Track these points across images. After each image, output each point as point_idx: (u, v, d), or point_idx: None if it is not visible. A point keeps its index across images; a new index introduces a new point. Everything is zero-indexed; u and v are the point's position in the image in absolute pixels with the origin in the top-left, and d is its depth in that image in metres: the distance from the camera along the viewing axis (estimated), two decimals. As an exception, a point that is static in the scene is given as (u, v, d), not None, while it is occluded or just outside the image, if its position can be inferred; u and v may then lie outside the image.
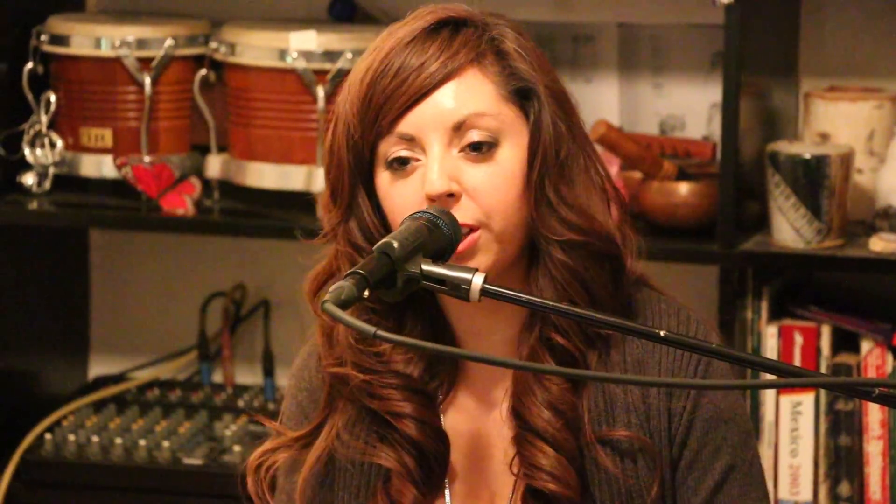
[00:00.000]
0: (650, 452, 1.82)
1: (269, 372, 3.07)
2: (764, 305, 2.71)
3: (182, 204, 2.88)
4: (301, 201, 2.78)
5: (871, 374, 2.70)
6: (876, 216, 2.72)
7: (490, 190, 1.78)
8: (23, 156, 2.94)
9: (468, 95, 1.78)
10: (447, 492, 1.86)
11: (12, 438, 2.93)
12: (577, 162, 1.82)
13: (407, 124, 1.77)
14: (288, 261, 3.05)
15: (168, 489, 2.86)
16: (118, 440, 2.89)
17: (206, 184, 2.91)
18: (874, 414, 2.67)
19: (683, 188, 2.73)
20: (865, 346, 2.70)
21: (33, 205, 2.93)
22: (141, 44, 2.89)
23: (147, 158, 2.88)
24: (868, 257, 2.66)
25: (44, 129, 2.94)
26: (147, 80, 2.87)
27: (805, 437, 2.71)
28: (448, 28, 1.79)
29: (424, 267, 1.69)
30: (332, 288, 1.62)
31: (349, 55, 2.78)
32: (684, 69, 2.94)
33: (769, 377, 1.74)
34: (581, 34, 2.97)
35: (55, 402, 3.03)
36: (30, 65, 2.93)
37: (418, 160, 1.78)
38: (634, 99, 2.96)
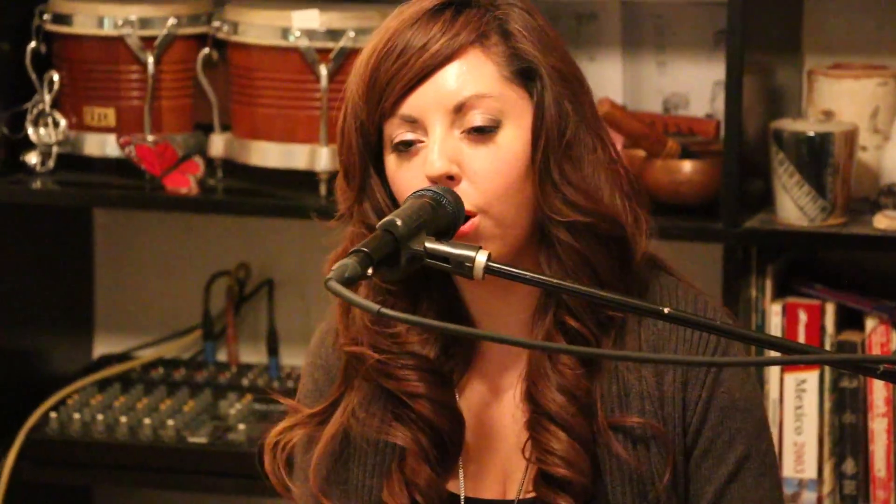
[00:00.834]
0: (663, 439, 1.83)
1: (273, 351, 3.08)
2: (768, 283, 2.72)
3: (185, 183, 2.88)
4: (305, 180, 2.84)
5: (876, 351, 2.70)
6: (880, 193, 2.72)
7: (491, 174, 1.78)
8: (26, 135, 2.95)
9: (469, 77, 1.78)
10: (461, 472, 1.88)
11: (17, 417, 2.95)
12: (584, 142, 1.81)
13: (409, 106, 1.78)
14: (292, 240, 3.09)
15: (173, 467, 2.87)
16: (123, 419, 2.90)
17: (210, 163, 2.92)
18: (879, 391, 2.68)
19: (687, 166, 2.74)
20: (870, 323, 2.70)
21: (37, 184, 2.94)
22: (144, 23, 2.90)
23: (150, 137, 2.89)
24: (872, 235, 2.67)
25: (47, 109, 2.94)
26: (150, 60, 2.89)
27: (809, 415, 2.72)
28: (452, 8, 1.79)
29: (428, 245, 1.69)
30: (335, 266, 1.63)
31: (352, 34, 2.79)
32: (688, 47, 2.94)
33: (774, 354, 1.74)
34: (585, 12, 2.97)
35: (60, 380, 3.05)
36: (33, 44, 2.94)
37: (422, 142, 1.78)
38: (638, 77, 2.96)
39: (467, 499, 1.87)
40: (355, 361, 1.86)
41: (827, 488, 2.73)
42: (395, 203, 1.80)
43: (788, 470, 2.70)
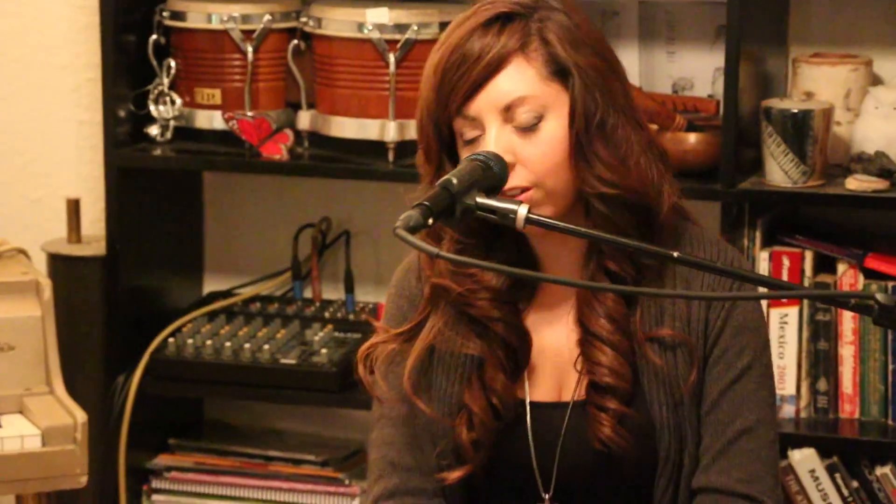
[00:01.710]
0: (689, 347, 1.89)
1: (349, 289, 3.17)
2: (758, 235, 2.80)
3: (278, 151, 2.99)
4: (376, 148, 2.91)
5: (846, 290, 2.76)
6: (851, 160, 2.81)
7: (539, 159, 1.85)
8: (148, 111, 3.05)
9: (513, 82, 1.85)
10: (526, 382, 1.95)
11: (143, 342, 3.05)
12: (616, 124, 1.86)
13: (470, 108, 1.87)
14: (365, 198, 3.19)
15: (268, 383, 2.98)
16: (227, 344, 3.01)
17: (298, 134, 3.00)
18: (847, 323, 2.78)
19: (692, 138, 2.82)
20: (841, 267, 2.80)
21: (157, 152, 3.04)
22: (244, 18, 2.97)
23: (250, 113, 2.99)
24: (845, 194, 2.72)
25: (165, 90, 3.03)
26: (249, 49, 2.97)
27: (790, 343, 2.81)
28: (499, 22, 1.87)
29: (478, 199, 1.76)
30: (401, 217, 1.71)
31: (415, 27, 2.87)
32: (693, 39, 2.98)
33: (763, 290, 1.87)
34: (608, 10, 2.99)
35: (176, 312, 3.14)
36: (154, 36, 3.04)
37: (482, 134, 1.87)
38: (651, 64, 3.02)
39: (532, 402, 1.95)
40: (441, 291, 1.92)
41: (804, 402, 2.83)
42: None
43: (772, 388, 2.63)
